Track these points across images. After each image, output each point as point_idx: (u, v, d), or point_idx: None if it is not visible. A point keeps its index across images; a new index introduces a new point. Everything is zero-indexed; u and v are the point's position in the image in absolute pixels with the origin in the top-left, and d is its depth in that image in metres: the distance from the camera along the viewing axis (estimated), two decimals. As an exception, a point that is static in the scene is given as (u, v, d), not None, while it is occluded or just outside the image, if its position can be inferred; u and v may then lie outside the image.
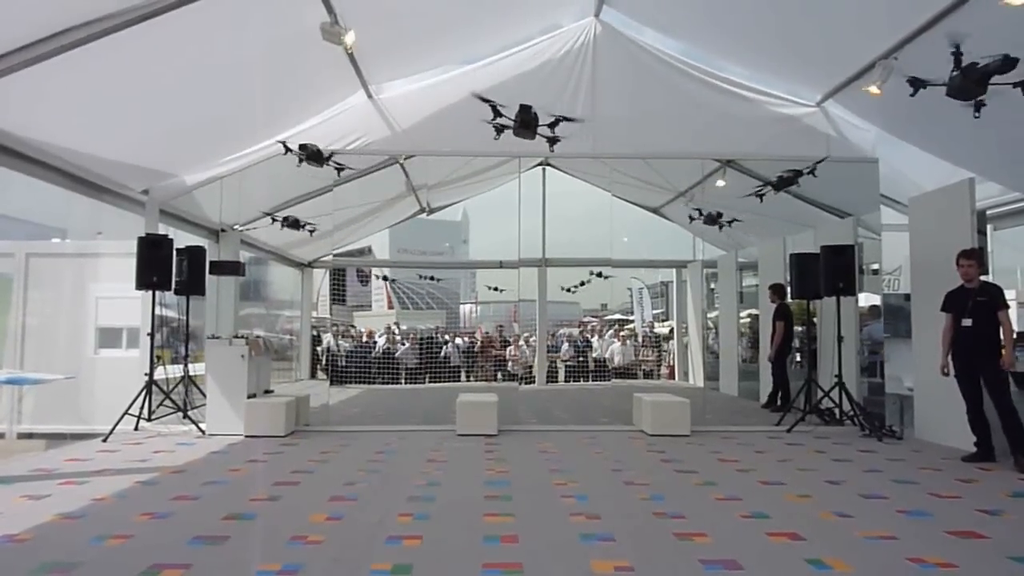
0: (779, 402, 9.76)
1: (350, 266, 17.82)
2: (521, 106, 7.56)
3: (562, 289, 15.08)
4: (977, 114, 6.29)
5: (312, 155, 8.39)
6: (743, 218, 11.59)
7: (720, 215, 9.43)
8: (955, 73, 6.09)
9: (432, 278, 18.15)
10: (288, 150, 8.37)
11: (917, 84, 6.53)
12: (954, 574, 3.48)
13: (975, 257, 6.57)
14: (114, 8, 5.29)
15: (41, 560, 3.56)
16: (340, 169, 9.02)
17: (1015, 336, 6.82)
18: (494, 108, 7.54)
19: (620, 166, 11.17)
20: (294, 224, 10.82)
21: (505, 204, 12.00)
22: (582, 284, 15.37)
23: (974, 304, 6.50)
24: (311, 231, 11.04)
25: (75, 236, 11.51)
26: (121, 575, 3.41)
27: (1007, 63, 5.80)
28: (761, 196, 9.86)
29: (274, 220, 10.75)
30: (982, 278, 6.70)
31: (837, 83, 8.12)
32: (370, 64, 7.85)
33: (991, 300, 6.47)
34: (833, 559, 3.62)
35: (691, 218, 11.24)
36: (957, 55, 6.10)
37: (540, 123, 7.73)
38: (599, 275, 14.72)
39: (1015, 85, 6.03)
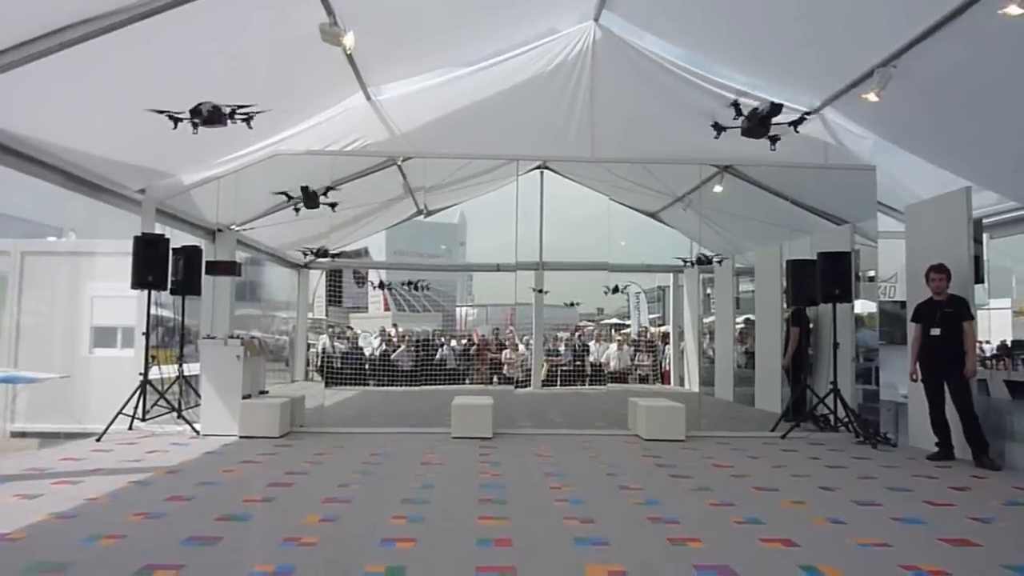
0: (792, 413, 8.73)
1: (347, 267, 17.76)
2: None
3: (607, 291, 14.88)
4: (773, 147, 8.11)
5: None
6: (741, 222, 11.63)
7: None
8: (742, 119, 7.90)
9: (418, 285, 17.67)
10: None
11: (718, 128, 8.19)
12: (947, 581, 3.48)
13: (944, 271, 6.96)
14: (113, 6, 5.28)
15: (33, 560, 3.54)
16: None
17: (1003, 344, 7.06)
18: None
19: (618, 170, 11.20)
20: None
21: (503, 207, 11.97)
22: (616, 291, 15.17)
23: (942, 315, 6.93)
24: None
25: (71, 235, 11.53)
26: (114, 575, 3.40)
27: (774, 108, 7.69)
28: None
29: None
30: (978, 286, 6.91)
31: (835, 90, 8.13)
32: (369, 66, 7.84)
33: (958, 312, 6.88)
34: (826, 566, 3.62)
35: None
36: (736, 105, 7.87)
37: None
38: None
39: (790, 124, 8.03)
